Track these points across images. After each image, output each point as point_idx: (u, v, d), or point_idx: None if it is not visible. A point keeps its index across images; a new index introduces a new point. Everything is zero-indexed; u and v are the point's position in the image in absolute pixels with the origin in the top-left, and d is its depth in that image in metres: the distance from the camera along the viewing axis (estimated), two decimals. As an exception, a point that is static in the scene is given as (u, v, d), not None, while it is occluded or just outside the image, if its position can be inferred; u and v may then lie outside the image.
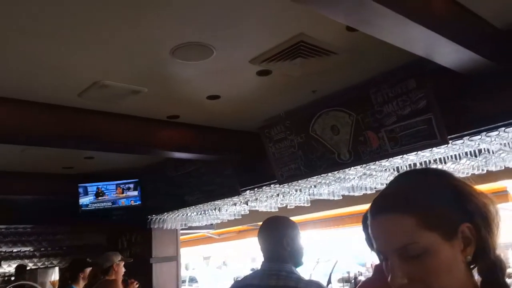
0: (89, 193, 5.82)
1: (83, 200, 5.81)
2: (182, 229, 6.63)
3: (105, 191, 5.82)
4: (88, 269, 4.27)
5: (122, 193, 5.87)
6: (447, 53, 2.46)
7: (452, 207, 0.87)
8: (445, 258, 0.83)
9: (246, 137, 4.55)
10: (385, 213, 0.86)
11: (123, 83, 3.18)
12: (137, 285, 4.68)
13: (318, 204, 5.36)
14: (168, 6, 2.26)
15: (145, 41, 2.62)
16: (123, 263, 4.07)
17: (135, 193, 5.90)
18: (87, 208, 5.82)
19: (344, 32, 2.60)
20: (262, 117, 4.14)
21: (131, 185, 5.91)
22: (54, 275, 6.09)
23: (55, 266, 6.47)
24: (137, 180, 5.91)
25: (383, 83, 3.30)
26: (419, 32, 2.19)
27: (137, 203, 5.89)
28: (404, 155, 3.48)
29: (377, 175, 4.19)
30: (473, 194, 0.91)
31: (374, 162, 3.68)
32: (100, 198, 5.81)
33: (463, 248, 0.85)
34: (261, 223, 2.28)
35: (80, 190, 5.81)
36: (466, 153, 3.51)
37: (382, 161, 3.64)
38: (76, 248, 6.60)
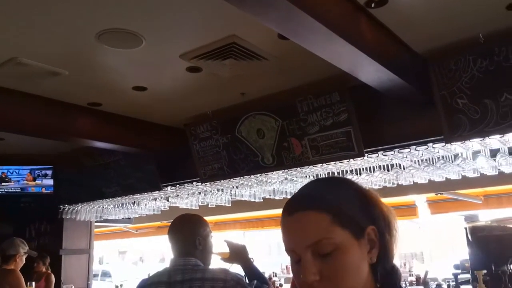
0: (-3, 176, 5.40)
1: (-12, 184, 5.37)
2: (97, 222, 6.36)
3: (12, 176, 5.41)
4: None
5: (34, 180, 5.50)
6: (369, 71, 2.58)
7: (360, 209, 0.91)
8: (354, 257, 0.87)
9: (170, 132, 4.46)
10: (302, 210, 0.88)
11: (42, 63, 2.98)
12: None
13: (239, 205, 5.41)
14: (97, -11, 2.16)
15: (69, 21, 2.46)
16: (26, 255, 3.82)
17: (50, 181, 5.55)
18: (-8, 193, 5.39)
19: (276, 39, 2.64)
20: (189, 113, 4.08)
21: (48, 172, 5.55)
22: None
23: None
24: (51, 166, 5.57)
25: (309, 93, 3.39)
26: (345, 48, 2.27)
27: (48, 191, 5.55)
28: (324, 164, 3.60)
29: (297, 181, 4.30)
30: (377, 201, 0.96)
31: (295, 168, 3.77)
32: (4, 184, 5.39)
33: (369, 249, 0.90)
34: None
35: (-13, 172, 5.37)
36: (380, 166, 3.71)
37: (304, 167, 3.74)
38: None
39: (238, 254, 2.30)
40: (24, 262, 3.76)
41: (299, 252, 0.87)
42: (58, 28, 2.53)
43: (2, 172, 5.41)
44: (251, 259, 2.33)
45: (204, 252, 2.09)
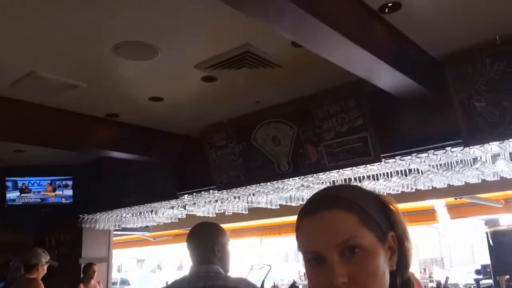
0: (19, 187, 5.51)
1: (10, 195, 5.47)
2: (115, 230, 6.42)
3: (32, 187, 5.50)
4: None
5: (54, 190, 5.59)
6: (385, 76, 2.57)
7: (380, 214, 0.88)
8: (381, 261, 0.83)
9: (187, 141, 4.49)
10: (330, 209, 0.85)
11: (61, 76, 3.04)
12: None
13: (255, 212, 5.40)
14: (113, 2, 2.20)
15: (86, 35, 2.51)
16: (48, 265, 3.86)
17: (70, 192, 5.63)
18: (14, 203, 5.49)
19: (290, 47, 2.65)
20: (205, 122, 4.11)
21: (69, 182, 5.62)
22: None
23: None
24: (71, 177, 5.65)
25: (324, 99, 3.39)
26: (359, 54, 2.27)
27: (68, 201, 5.63)
28: (340, 170, 3.59)
29: (314, 187, 4.28)
30: (394, 207, 0.94)
31: (312, 175, 3.76)
32: (24, 194, 5.49)
33: (390, 256, 0.87)
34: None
35: (9, 184, 5.47)
36: (397, 171, 3.67)
37: (320, 174, 3.72)
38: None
39: None
40: (46, 272, 3.79)
41: (325, 252, 0.82)
42: (76, 42, 2.58)
43: (23, 184, 5.50)
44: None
45: (223, 259, 2.10)
